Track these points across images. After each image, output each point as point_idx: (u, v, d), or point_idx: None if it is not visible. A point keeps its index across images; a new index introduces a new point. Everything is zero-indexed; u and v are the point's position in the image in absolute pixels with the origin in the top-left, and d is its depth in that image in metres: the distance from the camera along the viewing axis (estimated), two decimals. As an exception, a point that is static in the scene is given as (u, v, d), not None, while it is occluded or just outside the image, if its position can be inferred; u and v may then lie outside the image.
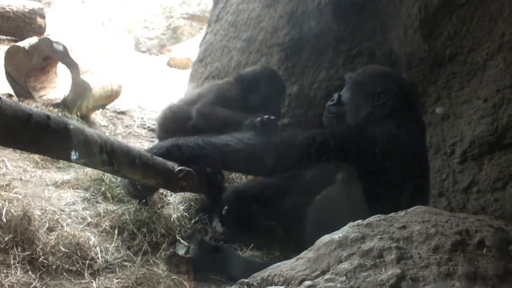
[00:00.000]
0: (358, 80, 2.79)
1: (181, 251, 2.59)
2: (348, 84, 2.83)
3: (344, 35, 3.33)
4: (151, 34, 9.84)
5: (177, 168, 2.63)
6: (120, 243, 2.61)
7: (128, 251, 2.58)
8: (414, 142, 2.57)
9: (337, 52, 3.35)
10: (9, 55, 4.25)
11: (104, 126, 4.37)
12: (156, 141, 3.33)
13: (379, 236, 1.76)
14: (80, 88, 4.10)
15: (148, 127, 4.51)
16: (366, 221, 1.87)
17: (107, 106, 4.58)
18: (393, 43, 3.17)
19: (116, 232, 2.67)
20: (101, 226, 2.71)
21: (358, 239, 1.77)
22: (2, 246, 2.27)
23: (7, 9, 6.30)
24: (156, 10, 9.95)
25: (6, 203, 2.58)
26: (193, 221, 2.88)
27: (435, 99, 3.06)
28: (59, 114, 3.66)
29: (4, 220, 2.41)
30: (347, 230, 1.84)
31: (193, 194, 3.07)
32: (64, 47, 4.11)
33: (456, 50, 2.98)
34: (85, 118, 4.17)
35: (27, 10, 6.47)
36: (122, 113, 4.73)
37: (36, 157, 3.38)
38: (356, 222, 1.89)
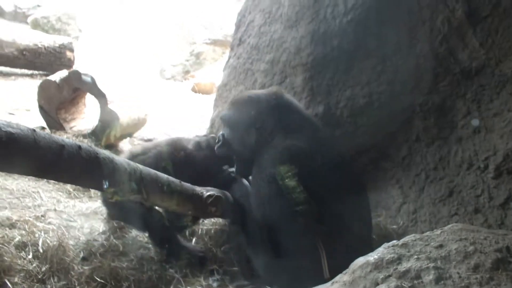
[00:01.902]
0: (230, 115, 2.89)
1: (215, 284, 2.58)
2: (225, 122, 2.93)
3: (368, 52, 3.31)
4: (175, 61, 10.01)
5: (206, 193, 2.63)
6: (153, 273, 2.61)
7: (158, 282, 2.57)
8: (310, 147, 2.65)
9: (362, 70, 3.32)
10: (41, 89, 4.38)
11: (132, 154, 4.43)
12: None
13: (416, 256, 1.71)
14: (108, 118, 4.18)
15: (176, 154, 4.54)
16: (402, 241, 1.83)
17: (134, 134, 4.65)
18: (418, 58, 3.13)
19: (144, 262, 2.68)
20: (134, 255, 2.72)
21: (394, 260, 1.72)
22: (40, 277, 2.30)
23: (39, 45, 6.54)
24: (179, 37, 10.13)
25: (42, 234, 2.64)
26: (222, 248, 2.86)
27: (465, 113, 3.00)
28: (89, 143, 3.73)
29: (41, 250, 2.45)
30: (382, 251, 1.79)
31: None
32: (92, 79, 4.21)
33: (483, 63, 2.93)
34: (113, 146, 4.24)
35: (57, 45, 6.68)
36: (149, 140, 4.79)
37: (69, 187, 3.45)
38: (391, 242, 1.84)
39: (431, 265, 1.66)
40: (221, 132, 2.94)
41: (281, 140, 2.66)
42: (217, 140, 2.93)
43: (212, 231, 2.89)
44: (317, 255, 2.60)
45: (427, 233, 1.89)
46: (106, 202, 2.97)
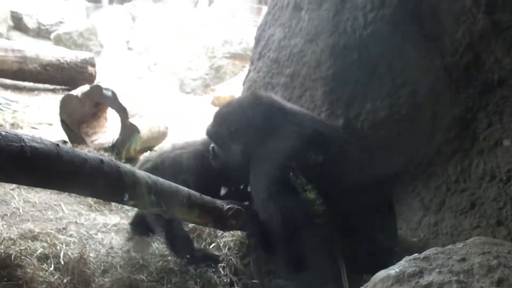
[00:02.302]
0: (213, 130, 2.99)
1: None
2: (210, 138, 3.03)
3: (389, 65, 3.31)
4: (194, 75, 10.11)
5: (226, 206, 2.65)
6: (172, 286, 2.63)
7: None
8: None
9: (382, 82, 3.32)
10: (63, 103, 4.47)
11: (153, 167, 4.47)
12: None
13: (438, 270, 1.70)
14: (128, 131, 4.25)
15: (196, 167, 4.58)
16: (423, 254, 1.82)
17: (155, 148, 4.70)
18: (439, 70, 3.12)
19: (164, 274, 2.70)
20: (154, 268, 2.74)
21: (415, 274, 1.71)
22: (61, 289, 2.34)
23: (62, 61, 6.68)
24: (199, 51, 10.24)
25: (64, 246, 2.68)
26: (244, 261, 2.86)
27: (486, 125, 2.98)
28: (110, 157, 3.79)
29: (62, 262, 2.49)
30: (403, 264, 1.78)
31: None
32: (113, 93, 4.29)
33: (504, 74, 2.91)
34: (134, 160, 4.29)
35: (79, 60, 6.82)
36: (170, 154, 4.83)
37: (90, 200, 3.50)
38: (412, 256, 1.83)
39: (454, 278, 1.65)
40: (211, 145, 3.02)
41: (273, 140, 2.71)
42: (210, 154, 3.01)
43: (232, 244, 2.90)
44: (336, 267, 2.60)
45: (449, 246, 1.87)
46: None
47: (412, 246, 2.88)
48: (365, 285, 1.85)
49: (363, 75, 3.42)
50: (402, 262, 1.83)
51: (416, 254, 1.85)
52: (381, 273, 1.81)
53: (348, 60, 3.47)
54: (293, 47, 3.86)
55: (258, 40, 4.38)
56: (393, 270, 1.78)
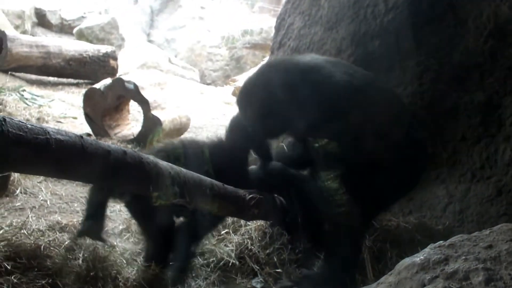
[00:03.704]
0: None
1: (258, 286, 2.58)
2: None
3: (410, 51, 3.26)
4: (215, 66, 10.13)
5: (249, 196, 2.65)
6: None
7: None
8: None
9: (404, 69, 3.27)
10: (87, 97, 4.53)
11: (175, 158, 4.51)
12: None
13: (464, 257, 1.67)
14: (151, 123, 4.28)
15: (218, 157, 4.60)
16: (448, 241, 1.79)
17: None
18: (463, 55, 3.06)
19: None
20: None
21: (441, 261, 1.69)
22: (88, 279, 2.37)
23: (84, 55, 6.76)
24: (219, 42, 10.24)
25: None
26: (267, 251, 2.86)
27: (512, 110, 2.92)
28: (133, 149, 3.82)
29: (89, 253, 2.53)
30: (428, 252, 1.76)
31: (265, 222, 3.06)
32: (135, 85, 4.32)
33: (531, 58, 2.84)
34: (157, 151, 4.32)
35: (101, 54, 6.89)
36: (192, 145, 4.86)
37: (114, 192, 3.53)
38: (437, 243, 1.80)
39: (480, 266, 1.62)
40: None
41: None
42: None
43: (255, 234, 2.91)
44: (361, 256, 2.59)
45: (475, 233, 1.84)
46: None
47: (436, 234, 2.84)
48: (389, 272, 1.84)
49: (385, 62, 3.37)
50: (427, 249, 1.80)
51: (441, 242, 1.82)
52: (406, 261, 1.79)
53: (369, 47, 3.43)
54: (313, 35, 3.83)
55: (278, 29, 4.36)
56: (417, 257, 1.76)
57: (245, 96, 2.86)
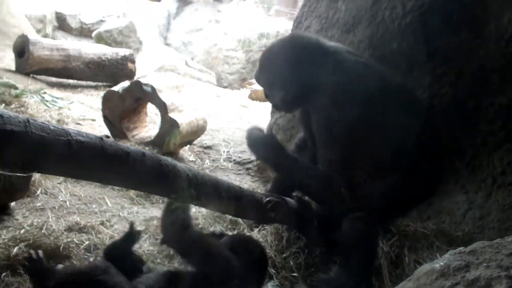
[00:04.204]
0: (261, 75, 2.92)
1: None
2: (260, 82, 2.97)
3: (429, 54, 3.22)
4: (231, 69, 10.15)
5: (266, 199, 2.64)
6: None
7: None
8: None
9: (423, 72, 3.24)
10: (105, 99, 4.56)
11: (192, 161, 4.52)
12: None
13: (485, 264, 1.63)
14: (168, 126, 4.29)
15: (234, 160, 4.60)
16: (469, 248, 1.75)
17: (194, 142, 4.74)
18: (483, 59, 3.01)
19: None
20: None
21: (461, 268, 1.65)
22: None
23: (103, 58, 6.82)
24: (235, 45, 10.26)
25: (108, 238, 2.74)
26: (284, 255, 2.84)
27: (535, 113, 2.86)
28: (151, 151, 3.84)
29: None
30: (448, 258, 1.73)
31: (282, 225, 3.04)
32: (153, 88, 4.33)
33: (553, 61, 2.79)
34: (173, 154, 4.34)
35: (119, 57, 6.95)
36: (209, 147, 4.87)
37: (132, 194, 3.56)
38: (457, 249, 1.77)
39: (503, 273, 1.58)
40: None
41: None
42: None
43: (272, 237, 2.89)
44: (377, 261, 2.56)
45: (497, 240, 1.80)
46: None
47: (456, 240, 2.79)
48: (408, 278, 1.81)
49: (403, 65, 3.34)
50: (446, 255, 1.77)
51: (461, 248, 1.78)
52: (425, 267, 1.76)
53: (387, 50, 3.40)
54: (330, 38, 3.80)
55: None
56: (437, 264, 1.73)
57: (268, 59, 2.90)
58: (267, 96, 3.00)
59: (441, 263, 1.71)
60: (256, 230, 2.95)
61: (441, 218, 3.01)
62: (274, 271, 2.67)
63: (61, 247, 2.56)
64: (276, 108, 3.07)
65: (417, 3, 3.26)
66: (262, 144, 2.91)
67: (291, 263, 2.73)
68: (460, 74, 3.11)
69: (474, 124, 3.03)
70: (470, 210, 2.96)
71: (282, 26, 10.12)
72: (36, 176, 3.28)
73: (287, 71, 2.73)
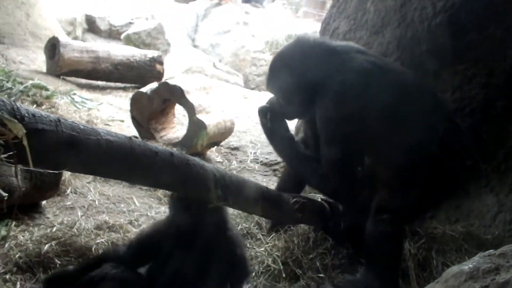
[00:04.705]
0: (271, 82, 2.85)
1: None
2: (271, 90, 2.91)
3: (459, 55, 3.18)
4: (259, 71, 10.16)
5: (292, 200, 2.65)
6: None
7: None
8: None
9: (453, 73, 3.20)
10: (134, 100, 4.64)
11: (219, 162, 4.56)
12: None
13: (516, 267, 1.62)
14: (196, 127, 4.34)
15: (261, 162, 4.63)
16: (499, 251, 1.73)
17: (221, 143, 4.78)
18: (514, 60, 2.97)
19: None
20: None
21: (491, 271, 1.63)
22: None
23: (132, 60, 6.92)
24: (263, 47, 10.29)
25: (135, 237, 2.79)
26: (310, 256, 2.84)
27: None
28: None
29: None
30: (477, 260, 1.71)
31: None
32: (181, 89, 4.39)
33: None
34: (201, 155, 4.38)
35: (147, 59, 7.04)
36: (236, 149, 4.91)
37: (159, 193, 3.62)
38: (487, 252, 1.75)
39: (534, 277, 1.56)
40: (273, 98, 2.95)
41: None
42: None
43: (299, 238, 2.90)
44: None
45: (528, 243, 1.78)
46: None
47: (485, 244, 2.75)
48: (436, 280, 1.80)
49: (432, 66, 3.30)
50: (476, 258, 1.75)
51: (491, 250, 1.76)
52: (453, 269, 1.74)
53: (416, 51, 3.37)
54: (359, 40, 3.80)
55: (322, 33, 4.34)
56: (466, 266, 1.71)
57: (275, 65, 2.86)
58: (279, 103, 2.92)
59: (470, 265, 1.70)
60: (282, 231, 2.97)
61: (470, 221, 2.96)
62: (300, 272, 2.68)
63: (93, 248, 2.62)
64: (287, 117, 2.97)
65: (448, 3, 3.22)
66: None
67: (318, 264, 2.73)
68: (491, 75, 3.06)
69: (504, 126, 2.98)
70: (500, 213, 2.91)
71: (310, 27, 10.09)
72: (66, 175, 3.36)
73: (295, 75, 2.69)
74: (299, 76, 2.67)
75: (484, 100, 3.07)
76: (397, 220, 2.54)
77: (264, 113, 2.91)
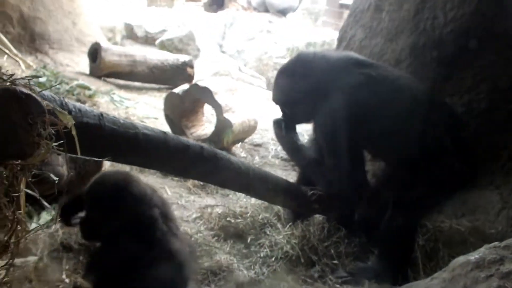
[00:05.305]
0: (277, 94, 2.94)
1: (316, 274, 2.57)
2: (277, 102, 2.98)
3: (468, 62, 3.13)
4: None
5: (310, 192, 2.65)
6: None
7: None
8: None
9: (461, 78, 3.15)
10: (167, 100, 4.68)
11: (243, 157, 4.57)
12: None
13: (519, 259, 1.59)
14: (222, 125, 4.35)
15: (281, 157, 4.62)
16: (504, 243, 1.70)
17: (246, 140, 4.78)
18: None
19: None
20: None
21: (496, 261, 1.61)
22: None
23: (165, 63, 6.98)
24: (284, 53, 10.26)
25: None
26: (325, 244, 2.83)
27: None
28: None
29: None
30: (483, 251, 1.68)
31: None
32: (209, 91, 4.41)
33: None
34: (227, 150, 4.39)
35: (179, 62, 7.08)
36: (258, 145, 4.91)
37: (189, 184, 3.63)
38: (492, 244, 1.73)
39: (536, 268, 1.53)
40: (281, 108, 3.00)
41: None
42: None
43: (315, 227, 2.89)
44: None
45: (532, 236, 1.74)
46: None
47: (489, 238, 2.70)
48: (443, 269, 1.78)
49: (442, 72, 3.26)
50: (481, 249, 1.72)
51: (496, 243, 1.74)
52: (460, 259, 1.72)
53: (427, 58, 3.33)
54: (374, 47, 3.76)
55: (340, 40, 4.32)
56: (472, 256, 1.69)
57: (278, 78, 2.93)
58: (284, 114, 2.99)
59: (476, 256, 1.68)
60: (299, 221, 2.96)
61: (476, 216, 2.92)
62: (316, 258, 2.67)
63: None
64: (295, 123, 3.01)
65: (458, 13, 3.17)
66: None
67: (332, 252, 2.73)
68: (498, 80, 3.01)
69: (509, 128, 2.93)
70: (504, 209, 2.85)
71: (328, 35, 10.02)
72: (105, 165, 3.40)
73: (295, 88, 2.75)
74: (299, 88, 2.72)
75: (490, 104, 3.02)
76: (412, 215, 2.52)
77: (278, 124, 3.00)
